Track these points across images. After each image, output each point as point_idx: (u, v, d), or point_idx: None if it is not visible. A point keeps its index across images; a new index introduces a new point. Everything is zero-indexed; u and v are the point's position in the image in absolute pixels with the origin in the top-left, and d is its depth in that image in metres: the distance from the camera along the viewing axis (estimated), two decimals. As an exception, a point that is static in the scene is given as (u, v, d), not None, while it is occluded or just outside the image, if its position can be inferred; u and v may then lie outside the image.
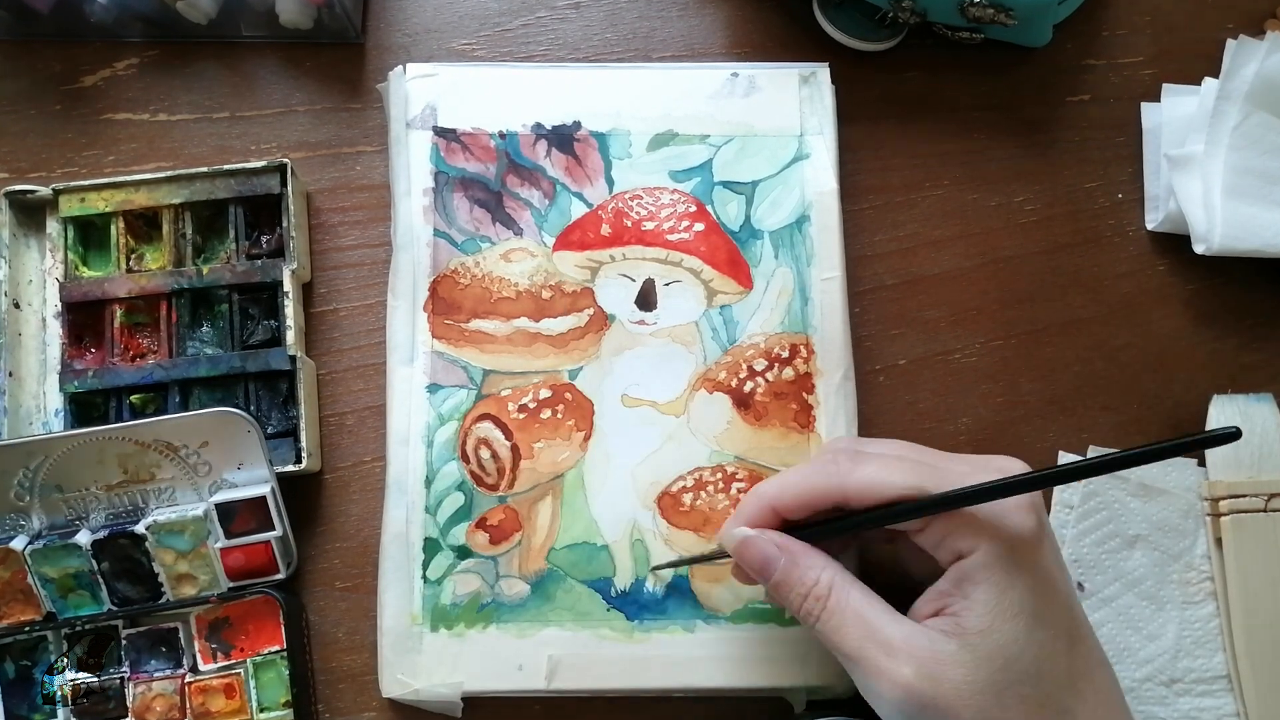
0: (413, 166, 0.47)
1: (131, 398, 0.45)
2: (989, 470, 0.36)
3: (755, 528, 0.38)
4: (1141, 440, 0.47)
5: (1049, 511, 0.46)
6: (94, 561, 0.42)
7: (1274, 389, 0.47)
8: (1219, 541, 0.45)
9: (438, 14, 0.51)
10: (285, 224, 0.46)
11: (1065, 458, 0.47)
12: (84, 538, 0.42)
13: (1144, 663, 0.44)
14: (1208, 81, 0.49)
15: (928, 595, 0.36)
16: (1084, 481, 0.46)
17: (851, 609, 0.36)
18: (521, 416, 0.45)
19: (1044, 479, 0.35)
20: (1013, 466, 0.36)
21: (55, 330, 0.46)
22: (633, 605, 0.43)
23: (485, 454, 0.44)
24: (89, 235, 0.47)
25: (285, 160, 0.47)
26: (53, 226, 0.47)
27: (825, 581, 0.37)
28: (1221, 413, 0.46)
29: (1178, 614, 0.45)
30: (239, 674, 0.42)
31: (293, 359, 0.45)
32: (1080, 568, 0.45)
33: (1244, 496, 0.44)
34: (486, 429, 0.45)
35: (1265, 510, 0.44)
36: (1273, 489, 0.44)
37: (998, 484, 0.35)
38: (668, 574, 0.44)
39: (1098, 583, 0.45)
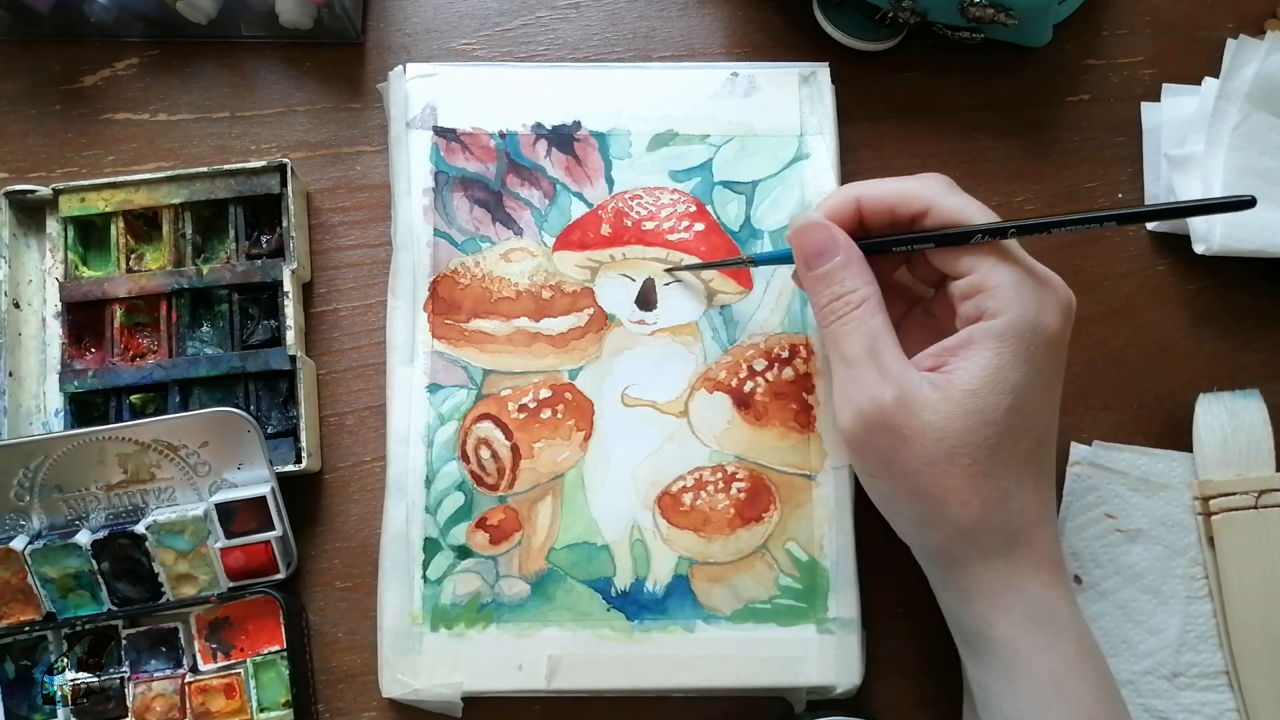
0: (413, 166, 0.47)
1: (131, 398, 0.45)
2: (1044, 291, 0.38)
3: (837, 214, 0.40)
4: (1143, 441, 0.47)
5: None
6: (94, 561, 0.42)
7: (1273, 389, 0.47)
8: (1211, 540, 0.45)
9: (438, 14, 0.51)
10: (285, 224, 0.46)
11: (1077, 450, 0.47)
12: (84, 538, 0.42)
13: (1144, 656, 0.44)
14: (1208, 81, 0.49)
15: (932, 349, 0.38)
16: (1082, 475, 0.46)
17: (870, 325, 0.38)
18: (521, 416, 0.45)
19: (1119, 217, 0.37)
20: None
21: (55, 330, 0.46)
22: (633, 605, 0.43)
23: (485, 454, 0.44)
24: (89, 235, 0.47)
25: (285, 160, 0.47)
26: (53, 226, 0.47)
27: (862, 294, 0.38)
28: (1208, 411, 0.46)
29: (1182, 609, 0.45)
30: (239, 674, 0.42)
31: (293, 359, 0.45)
32: (1078, 561, 0.45)
33: (1234, 494, 0.44)
34: (486, 429, 0.45)
35: (1256, 507, 0.44)
36: (1262, 486, 0.44)
37: (1070, 218, 0.37)
38: (669, 568, 0.44)
39: (1096, 576, 0.45)
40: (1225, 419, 0.45)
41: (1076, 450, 0.46)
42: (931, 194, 0.38)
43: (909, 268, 0.43)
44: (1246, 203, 0.33)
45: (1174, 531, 0.46)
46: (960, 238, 0.38)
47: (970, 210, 0.38)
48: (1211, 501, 0.45)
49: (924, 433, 0.36)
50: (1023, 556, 0.37)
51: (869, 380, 0.37)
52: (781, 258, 0.42)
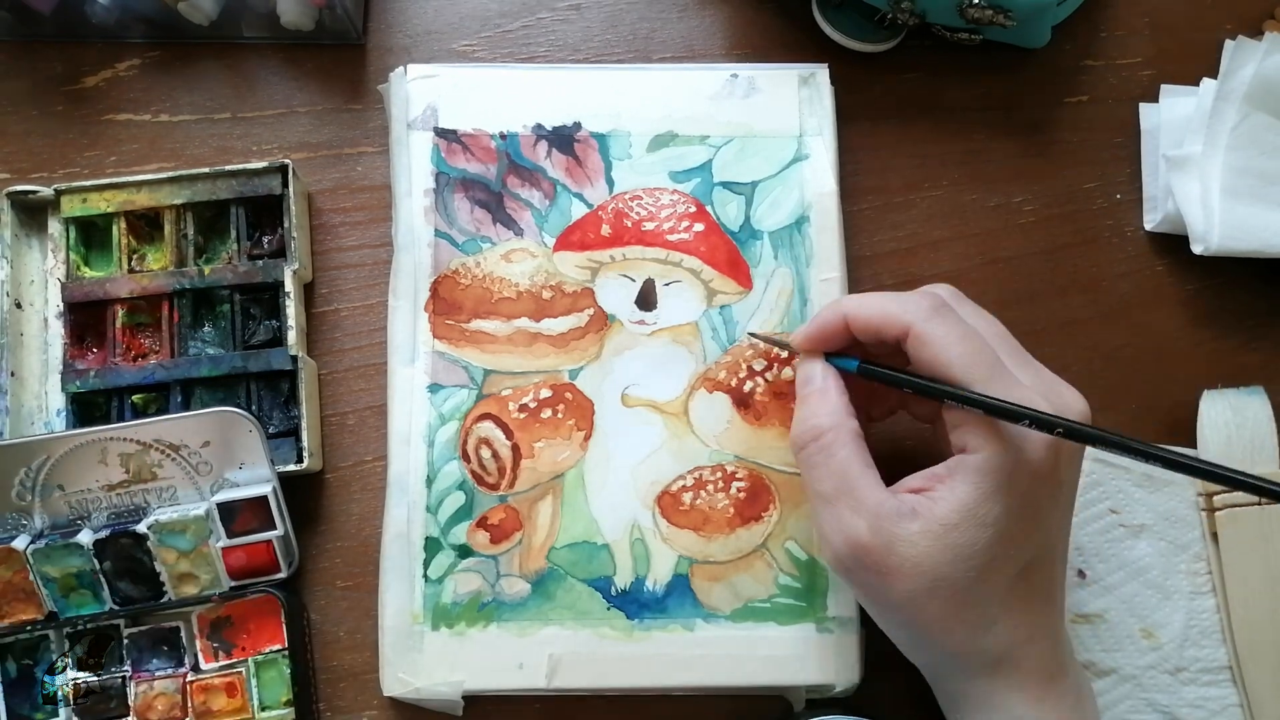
0: (414, 167, 0.47)
1: (133, 398, 0.46)
2: (1048, 397, 0.36)
3: (825, 333, 0.40)
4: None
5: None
6: (96, 561, 0.42)
7: (1273, 389, 0.47)
8: (1214, 536, 0.45)
9: (438, 15, 0.51)
10: (286, 224, 0.47)
11: None
12: (86, 537, 0.42)
13: (1149, 650, 0.44)
14: (1206, 82, 0.49)
15: (922, 473, 0.37)
16: (1086, 470, 0.46)
17: (840, 459, 0.37)
18: (522, 416, 0.45)
19: (1079, 435, 0.35)
20: (1074, 405, 0.37)
21: (57, 330, 0.47)
22: (633, 604, 0.43)
23: (486, 453, 0.45)
24: (91, 236, 0.48)
25: (286, 161, 0.47)
26: (54, 227, 0.47)
27: (829, 425, 0.38)
28: (1213, 407, 0.46)
29: (1186, 604, 0.45)
30: (240, 673, 0.43)
31: (294, 359, 0.45)
32: (1082, 555, 0.45)
33: (1238, 491, 0.44)
34: (487, 428, 0.45)
35: (1260, 504, 0.44)
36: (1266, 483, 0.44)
37: (1026, 412, 0.34)
38: (669, 568, 0.44)
39: (1100, 571, 0.45)
40: (1229, 415, 0.45)
41: None
42: (912, 318, 0.37)
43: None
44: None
45: (1177, 527, 0.46)
46: (926, 390, 0.37)
47: (949, 341, 0.36)
48: (1215, 498, 0.45)
49: (903, 569, 0.35)
50: (1007, 674, 0.37)
51: (843, 517, 0.36)
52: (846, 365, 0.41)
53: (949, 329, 0.37)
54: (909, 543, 0.35)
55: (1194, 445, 0.46)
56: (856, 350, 0.40)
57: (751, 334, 0.45)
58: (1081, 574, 0.45)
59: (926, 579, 0.35)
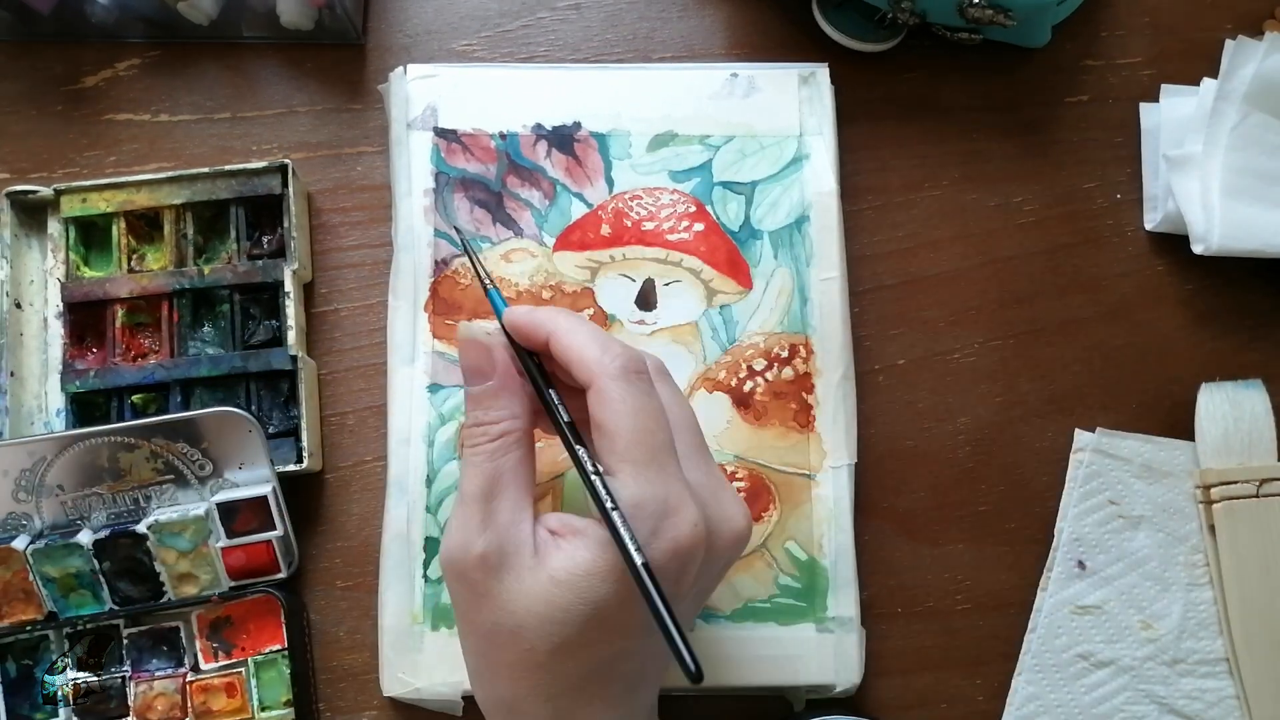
0: (413, 167, 0.47)
1: (133, 397, 0.46)
2: (710, 502, 0.34)
3: (527, 334, 0.36)
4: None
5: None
6: (95, 561, 0.42)
7: (1272, 389, 0.47)
8: (1212, 528, 0.45)
9: (438, 15, 0.51)
10: (286, 224, 0.47)
11: (1081, 436, 0.47)
12: (85, 537, 0.42)
13: (1146, 642, 0.45)
14: (1206, 82, 0.49)
15: (564, 516, 0.35)
16: (1086, 461, 0.46)
17: (497, 465, 0.35)
18: (522, 416, 0.45)
19: (640, 581, 0.31)
20: (736, 518, 0.35)
21: (57, 330, 0.47)
22: (633, 604, 0.43)
23: (486, 453, 0.45)
24: (90, 235, 0.48)
25: (286, 161, 0.47)
26: (54, 227, 0.47)
27: (505, 427, 0.35)
28: (1210, 400, 0.46)
29: (1184, 595, 0.45)
30: (240, 673, 0.43)
31: (294, 359, 0.45)
32: (1082, 546, 0.45)
33: (1235, 483, 0.45)
34: (487, 429, 0.45)
35: (1257, 496, 0.44)
36: (1264, 475, 0.44)
37: (615, 531, 0.32)
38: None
39: (1099, 561, 0.45)
40: (1227, 408, 0.45)
41: (1081, 437, 0.47)
42: (600, 372, 0.34)
43: None
44: None
45: (1176, 519, 0.46)
46: (563, 436, 0.35)
47: (624, 410, 0.33)
48: (1213, 490, 0.45)
49: (498, 598, 0.33)
50: None
51: (469, 524, 0.34)
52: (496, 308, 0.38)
53: (631, 398, 0.34)
54: (517, 577, 0.33)
55: (1191, 439, 0.46)
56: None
57: (459, 233, 0.44)
58: (1081, 565, 0.45)
59: (514, 619, 0.33)
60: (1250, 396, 0.46)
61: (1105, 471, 0.46)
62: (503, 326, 0.37)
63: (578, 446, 0.34)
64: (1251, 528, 0.44)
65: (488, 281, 0.38)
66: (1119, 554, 0.45)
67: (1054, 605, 0.45)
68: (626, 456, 0.33)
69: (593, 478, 0.33)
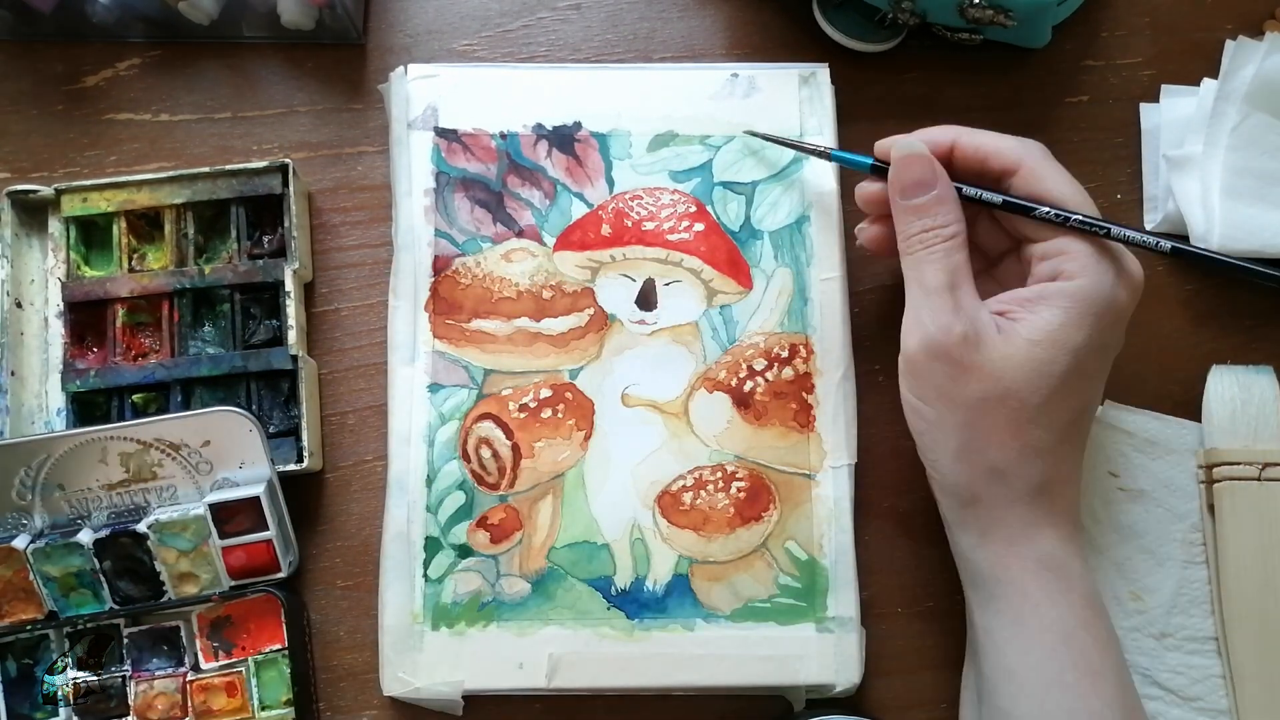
0: (414, 167, 0.47)
1: (133, 397, 0.46)
2: (1121, 261, 0.39)
3: (930, 147, 0.41)
4: (1140, 440, 0.47)
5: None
6: (96, 560, 0.42)
7: (1272, 389, 0.47)
8: (1211, 508, 0.45)
9: (439, 15, 0.51)
10: (287, 224, 0.47)
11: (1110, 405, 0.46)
12: (86, 536, 0.42)
13: (1135, 613, 0.45)
14: (1206, 82, 0.49)
15: (1004, 296, 0.39)
16: (1090, 434, 0.46)
17: (954, 259, 0.39)
18: (522, 416, 0.45)
19: (1196, 256, 0.40)
20: (1133, 266, 0.40)
21: (57, 330, 0.47)
22: (633, 604, 0.43)
23: (486, 453, 0.45)
24: (91, 235, 0.48)
25: (287, 160, 0.47)
26: (55, 226, 0.47)
27: (953, 229, 0.39)
28: (1220, 382, 0.46)
29: (1178, 572, 0.45)
30: (240, 672, 0.43)
31: (294, 358, 0.45)
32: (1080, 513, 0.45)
33: (1238, 464, 0.45)
34: (487, 428, 0.45)
35: (1259, 479, 0.44)
36: (1267, 459, 0.44)
37: (1150, 234, 0.38)
38: (669, 567, 0.44)
39: (1093, 531, 0.45)
40: (1236, 390, 0.46)
41: None
42: (1025, 156, 0.40)
43: (983, 229, 0.43)
44: None
45: (1176, 496, 0.46)
46: (1051, 219, 0.39)
47: (1061, 181, 0.39)
48: (1215, 470, 0.45)
49: (983, 368, 0.37)
50: (1045, 507, 0.38)
51: (943, 310, 0.38)
52: (860, 162, 0.43)
53: (1061, 171, 0.40)
54: (995, 348, 0.37)
55: (1198, 420, 0.46)
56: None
57: (750, 132, 0.47)
58: None
59: (1002, 385, 0.37)
60: (1259, 381, 0.46)
61: (1108, 443, 0.46)
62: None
63: (1036, 208, 0.39)
64: (1251, 510, 0.44)
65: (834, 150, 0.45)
66: (1114, 525, 0.45)
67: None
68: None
69: (1082, 222, 0.38)
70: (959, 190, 0.40)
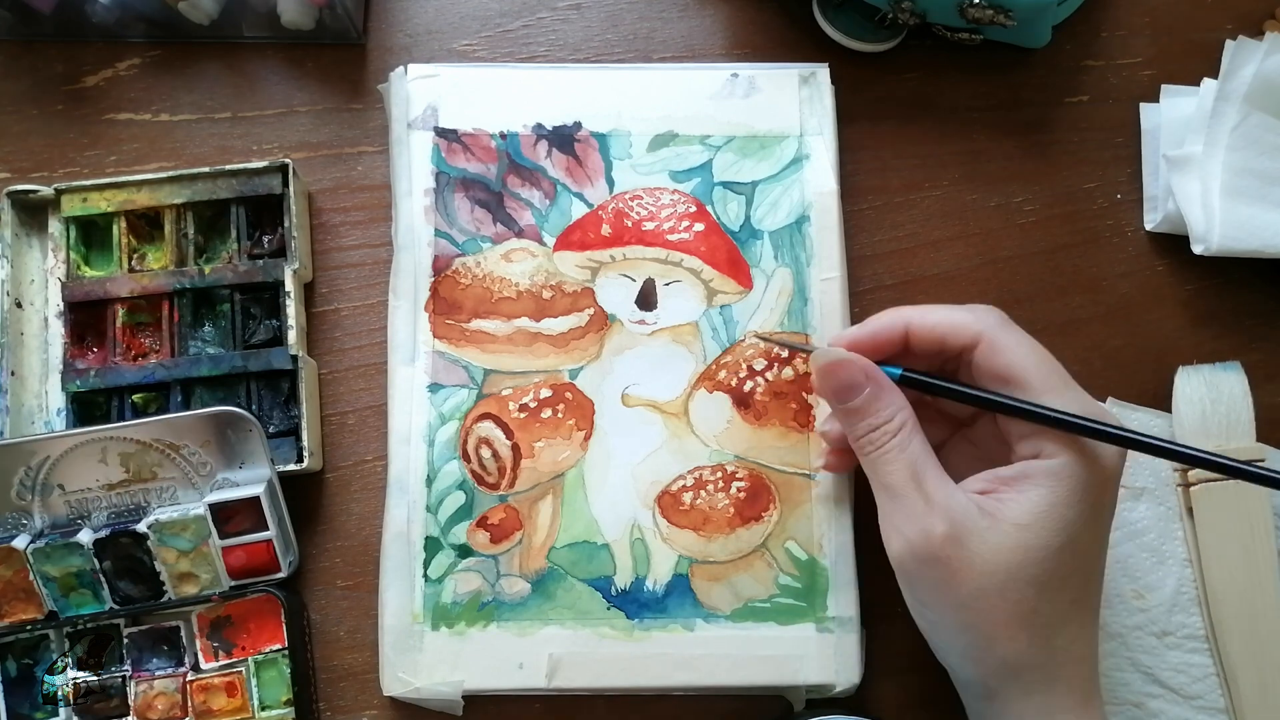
0: (414, 167, 0.47)
1: (133, 397, 0.46)
2: (1106, 414, 0.37)
3: (880, 339, 0.39)
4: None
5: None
6: (96, 560, 0.42)
7: (1272, 389, 0.47)
8: (1190, 511, 0.45)
9: (439, 15, 0.51)
10: (287, 224, 0.47)
11: (1112, 403, 0.47)
12: (86, 536, 0.42)
13: (1137, 611, 0.45)
14: (1206, 82, 0.49)
15: (985, 475, 0.37)
16: None
17: (910, 453, 0.37)
18: (522, 416, 0.45)
19: (1155, 449, 0.36)
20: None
21: (57, 330, 0.47)
22: (633, 604, 0.43)
23: (486, 453, 0.45)
24: (91, 235, 0.48)
25: (287, 160, 0.47)
26: (55, 226, 0.47)
27: (898, 421, 0.38)
28: (1187, 384, 0.46)
29: (1178, 570, 0.45)
30: (240, 672, 0.43)
31: (294, 358, 0.45)
32: None
33: None
34: (487, 428, 0.45)
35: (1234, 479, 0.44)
36: (1242, 457, 0.44)
37: (1119, 433, 0.35)
38: (669, 567, 0.44)
39: None
40: (1204, 390, 0.45)
41: None
42: (984, 327, 0.38)
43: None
44: None
45: (1176, 494, 0.46)
46: (1012, 409, 0.37)
47: (1022, 351, 0.37)
48: (1190, 472, 0.45)
49: (974, 565, 0.35)
50: (1062, 693, 0.37)
51: (916, 512, 0.36)
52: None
53: (1021, 340, 0.37)
54: (982, 539, 0.35)
55: (1169, 421, 0.46)
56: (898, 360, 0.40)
57: (758, 335, 0.45)
58: None
59: (998, 578, 0.35)
60: (1228, 379, 0.45)
61: None
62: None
63: (1008, 401, 0.37)
64: (1229, 511, 0.44)
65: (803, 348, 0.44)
66: (1118, 523, 0.45)
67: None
68: (1046, 386, 0.36)
69: (1047, 419, 0.36)
70: (922, 381, 0.39)
